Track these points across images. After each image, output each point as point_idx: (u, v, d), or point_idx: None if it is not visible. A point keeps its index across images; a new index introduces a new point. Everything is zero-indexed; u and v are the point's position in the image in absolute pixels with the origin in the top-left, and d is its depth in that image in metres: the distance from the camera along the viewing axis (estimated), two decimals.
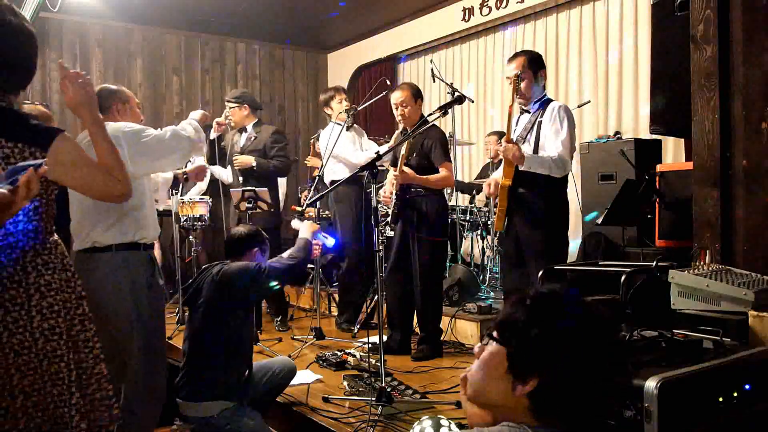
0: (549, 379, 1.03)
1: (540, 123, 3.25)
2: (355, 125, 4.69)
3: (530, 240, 3.19)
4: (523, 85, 3.25)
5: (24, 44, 1.74)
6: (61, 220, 1.97)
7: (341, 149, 4.43)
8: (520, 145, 3.14)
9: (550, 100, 3.33)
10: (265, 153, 4.61)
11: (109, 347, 2.56)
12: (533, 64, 3.28)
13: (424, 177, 3.64)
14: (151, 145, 2.54)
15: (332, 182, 4.45)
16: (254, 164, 4.56)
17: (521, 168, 3.14)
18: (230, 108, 4.61)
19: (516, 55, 3.37)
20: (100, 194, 1.88)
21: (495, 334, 1.10)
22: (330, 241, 3.24)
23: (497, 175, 3.39)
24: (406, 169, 3.57)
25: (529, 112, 3.33)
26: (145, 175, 2.65)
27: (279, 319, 4.68)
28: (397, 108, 3.78)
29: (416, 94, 3.79)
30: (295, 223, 3.10)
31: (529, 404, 1.04)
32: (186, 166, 4.49)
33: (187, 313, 2.92)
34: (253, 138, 4.68)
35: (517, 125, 3.41)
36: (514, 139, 3.25)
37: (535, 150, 3.24)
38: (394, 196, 3.72)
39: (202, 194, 5.40)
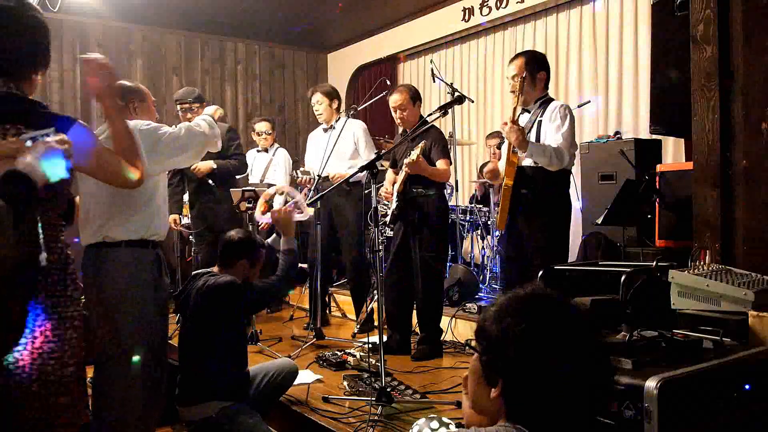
0: (511, 380, 1.03)
1: (540, 122, 3.24)
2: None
3: (532, 239, 3.18)
4: (520, 78, 3.22)
5: (33, 32, 1.76)
6: None
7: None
8: (523, 130, 3.09)
9: (551, 100, 3.32)
10: (223, 154, 4.39)
11: (111, 344, 2.56)
12: (531, 65, 3.25)
13: (430, 167, 3.63)
14: (166, 143, 2.54)
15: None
16: (215, 167, 4.42)
17: (522, 154, 3.12)
18: (192, 107, 4.37)
19: (517, 56, 3.36)
20: (115, 180, 1.98)
21: (473, 343, 1.12)
22: (304, 215, 3.12)
23: (500, 164, 3.39)
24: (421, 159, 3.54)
25: (529, 112, 3.32)
26: (160, 173, 2.65)
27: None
28: (395, 111, 3.78)
29: (414, 97, 3.78)
30: (259, 216, 3.02)
31: (503, 408, 1.05)
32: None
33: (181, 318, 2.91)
34: None
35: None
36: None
37: None
38: (395, 196, 3.72)
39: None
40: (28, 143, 1.54)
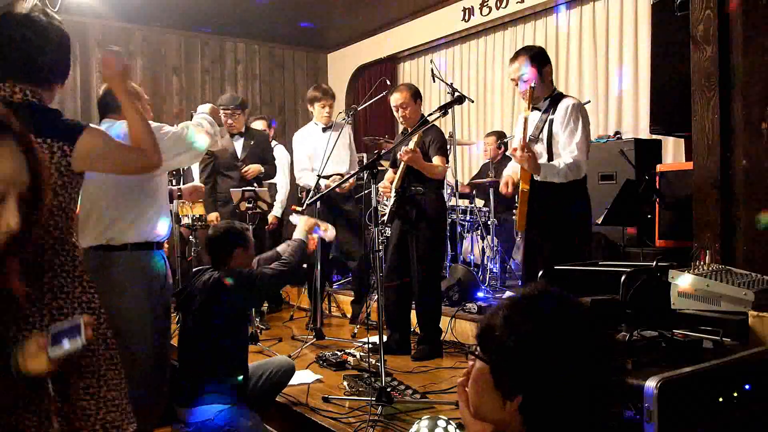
0: (534, 393, 0.96)
1: (551, 121, 3.10)
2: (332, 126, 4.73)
3: (548, 242, 3.12)
4: (530, 87, 3.09)
5: (57, 43, 1.76)
6: None
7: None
8: (535, 155, 3.01)
9: (561, 96, 3.17)
10: (263, 158, 4.71)
11: (120, 348, 2.56)
12: (536, 61, 3.11)
13: (425, 162, 3.61)
14: (170, 142, 2.54)
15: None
16: (263, 170, 4.65)
17: (537, 178, 3.02)
18: (235, 114, 4.61)
19: (517, 54, 3.20)
20: (135, 171, 2.03)
21: (477, 350, 1.04)
22: (330, 233, 3.17)
23: (509, 171, 3.33)
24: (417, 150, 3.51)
25: (539, 110, 3.18)
26: (161, 173, 2.64)
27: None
28: (397, 110, 3.78)
29: (415, 95, 3.79)
30: (294, 218, 3.08)
31: (522, 419, 0.98)
32: (180, 182, 4.52)
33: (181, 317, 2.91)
34: (251, 144, 4.71)
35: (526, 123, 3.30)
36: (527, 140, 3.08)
37: (548, 148, 3.12)
38: (393, 194, 3.72)
39: None
40: (51, 350, 1.34)
